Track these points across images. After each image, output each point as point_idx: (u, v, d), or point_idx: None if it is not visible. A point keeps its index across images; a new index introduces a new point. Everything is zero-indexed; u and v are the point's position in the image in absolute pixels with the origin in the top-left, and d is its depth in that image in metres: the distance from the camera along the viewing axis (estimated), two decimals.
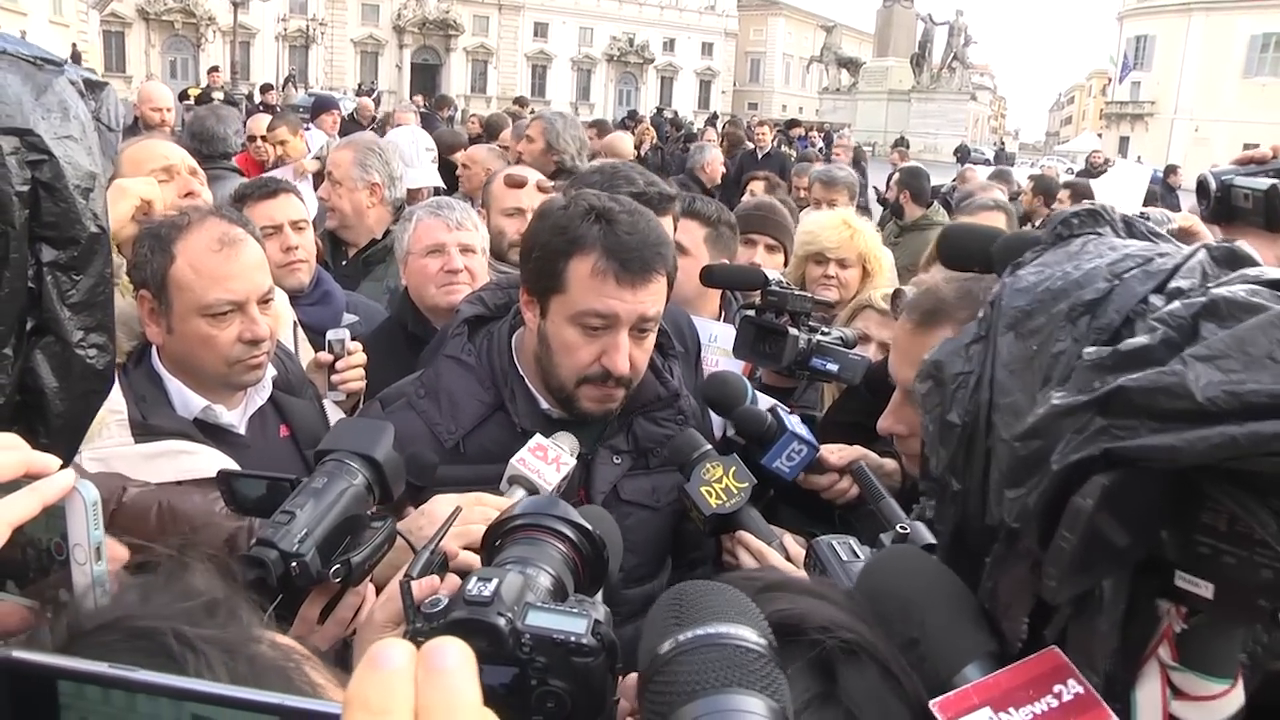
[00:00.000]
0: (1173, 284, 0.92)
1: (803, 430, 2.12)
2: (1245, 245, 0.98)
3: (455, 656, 0.50)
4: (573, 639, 1.10)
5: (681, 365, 2.66)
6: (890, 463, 2.23)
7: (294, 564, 1.30)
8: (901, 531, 1.66)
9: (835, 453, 2.18)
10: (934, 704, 0.89)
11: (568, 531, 1.34)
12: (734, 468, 1.99)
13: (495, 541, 1.36)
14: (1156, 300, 0.92)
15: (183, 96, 13.77)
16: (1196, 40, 63.46)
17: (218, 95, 13.57)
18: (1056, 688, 0.91)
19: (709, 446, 2.04)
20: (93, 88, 1.27)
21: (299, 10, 64.55)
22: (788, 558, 1.89)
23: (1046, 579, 0.84)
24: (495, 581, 1.14)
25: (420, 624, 1.14)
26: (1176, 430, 0.78)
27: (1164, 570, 0.90)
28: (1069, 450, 0.82)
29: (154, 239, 2.18)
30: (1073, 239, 1.06)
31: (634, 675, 1.25)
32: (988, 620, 0.99)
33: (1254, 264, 0.96)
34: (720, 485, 1.96)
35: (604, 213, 1.95)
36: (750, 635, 0.83)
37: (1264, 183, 1.75)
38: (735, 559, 1.94)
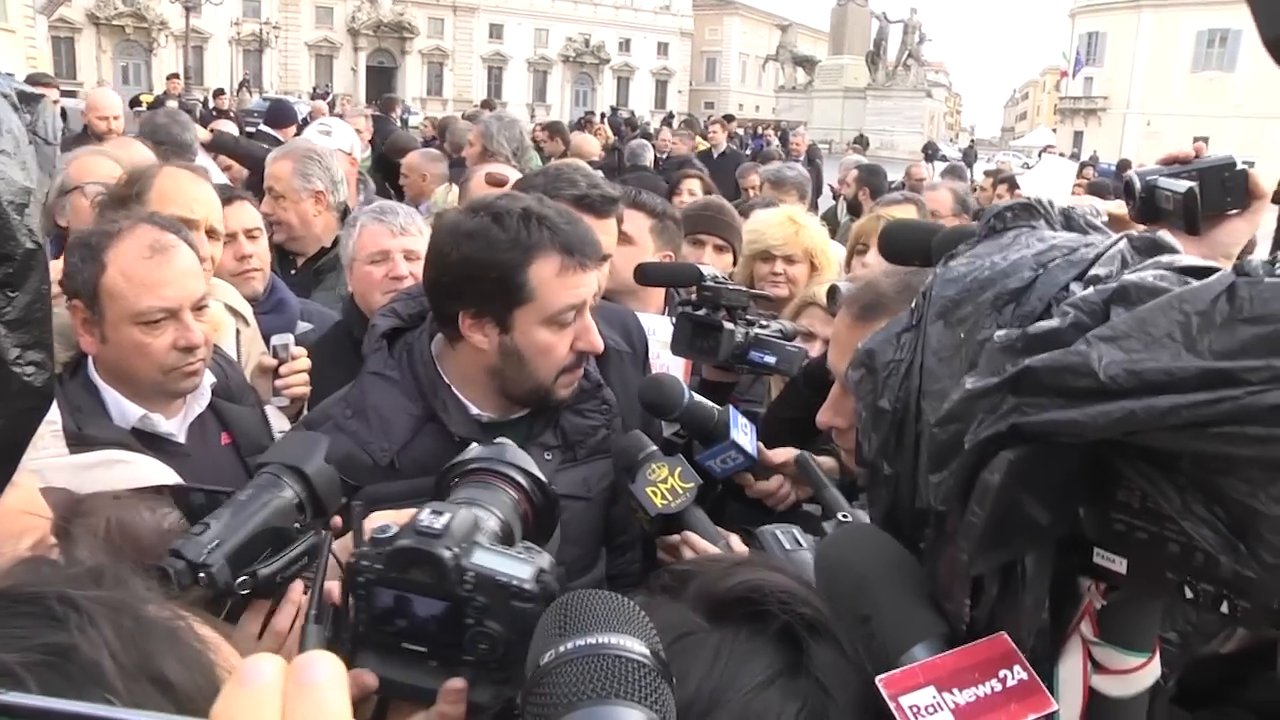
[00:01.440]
0: (1092, 271, 0.96)
1: (745, 440, 2.14)
2: (1167, 235, 1.02)
3: (325, 670, 0.49)
4: (515, 583, 1.11)
5: (629, 362, 2.70)
6: (829, 460, 2.27)
7: (201, 574, 1.30)
8: (843, 519, 1.69)
9: (774, 454, 2.22)
10: (880, 679, 0.91)
11: (520, 479, 1.35)
12: (679, 468, 2.01)
13: (449, 482, 1.37)
14: (1076, 288, 0.95)
15: (134, 103, 13.57)
16: (1146, 36, 64.57)
17: (172, 104, 13.42)
18: (1002, 673, 0.93)
19: (654, 447, 2.06)
20: (27, 100, 1.26)
21: (252, 14, 63.95)
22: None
23: (959, 552, 0.88)
24: (448, 515, 1.15)
25: (367, 548, 1.14)
26: (1080, 406, 0.82)
27: (1084, 548, 0.94)
28: (980, 429, 0.86)
29: (85, 248, 2.17)
30: (1006, 231, 1.09)
31: None
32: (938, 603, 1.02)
33: (1174, 253, 0.99)
34: (666, 486, 1.99)
35: (539, 215, 1.99)
36: (634, 645, 0.82)
37: (1183, 185, 1.78)
38: (679, 560, 1.96)
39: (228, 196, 3.37)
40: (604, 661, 0.80)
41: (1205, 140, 57.40)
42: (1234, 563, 0.81)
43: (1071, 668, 0.96)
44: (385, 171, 7.78)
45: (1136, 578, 0.90)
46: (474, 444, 1.91)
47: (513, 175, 3.88)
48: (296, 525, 1.47)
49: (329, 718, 0.48)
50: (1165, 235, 1.02)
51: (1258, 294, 0.79)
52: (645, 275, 2.82)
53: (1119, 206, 2.03)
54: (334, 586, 1.25)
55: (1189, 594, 0.87)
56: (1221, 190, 1.84)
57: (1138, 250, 1.00)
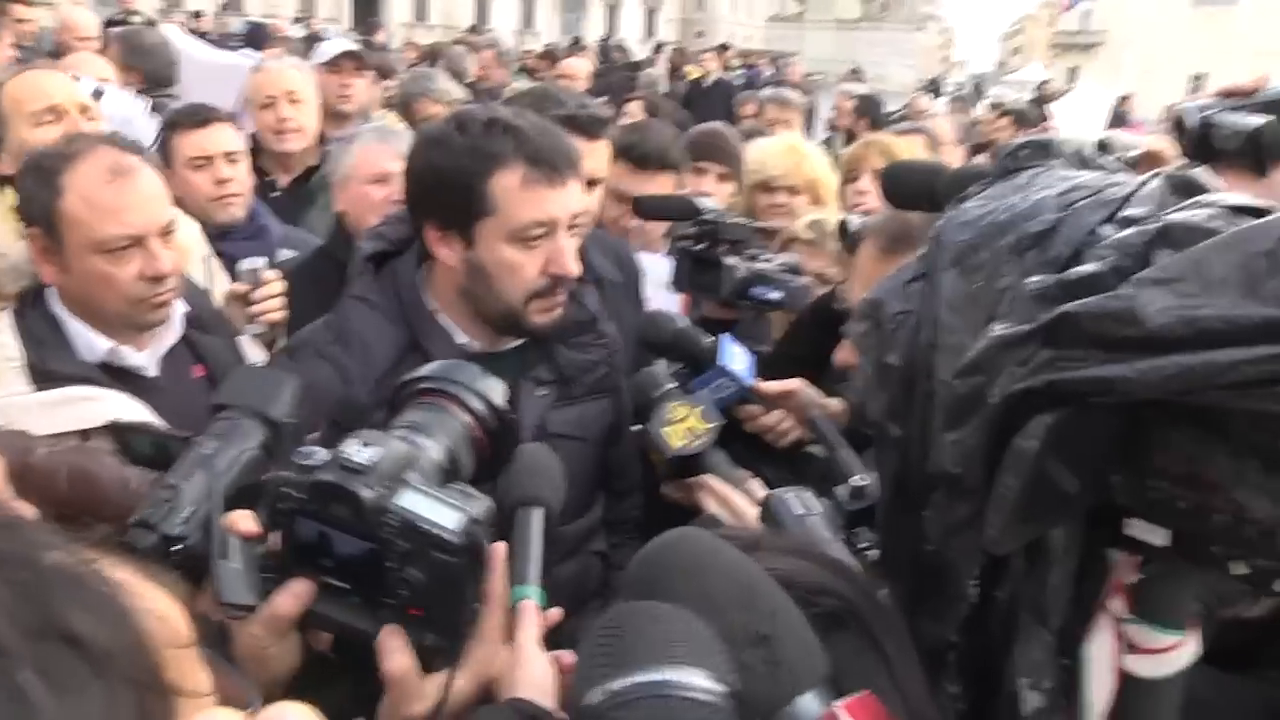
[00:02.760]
0: (1124, 212, 0.86)
1: (738, 368, 2.04)
2: (1207, 172, 0.91)
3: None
4: (437, 532, 1.03)
5: (621, 294, 2.59)
6: (836, 402, 2.18)
7: (174, 548, 1.20)
8: (858, 484, 1.58)
9: (773, 385, 2.12)
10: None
11: (474, 403, 1.25)
12: (700, 407, 1.91)
13: (399, 400, 1.28)
14: (1108, 230, 0.85)
15: (110, 24, 13.17)
16: None
17: (136, 20, 12.97)
18: None
19: (672, 385, 1.96)
20: None
21: None
22: (755, 503, 1.83)
23: (988, 528, 0.78)
24: (376, 450, 1.07)
25: (291, 473, 1.07)
26: (1128, 360, 0.72)
27: (1115, 518, 0.85)
28: (1011, 383, 0.76)
29: (39, 172, 2.04)
30: (1020, 172, 0.99)
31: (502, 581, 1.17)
32: None
33: (1213, 193, 0.89)
34: (685, 425, 1.89)
35: (506, 123, 1.87)
36: (702, 681, 0.71)
37: (1251, 121, 1.57)
38: (695, 502, 1.87)
39: (203, 117, 3.21)
40: (668, 706, 0.70)
41: (1204, 77, 56.92)
42: None
43: (1101, 647, 0.88)
44: None
45: (1176, 550, 0.82)
46: (465, 346, 1.84)
47: None
48: (265, 479, 1.37)
49: None
50: (1204, 173, 0.91)
51: None
52: (642, 208, 2.71)
53: (1158, 141, 1.89)
54: (244, 515, 1.17)
55: (1241, 569, 0.78)
56: None
57: (1174, 189, 0.90)
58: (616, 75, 15.83)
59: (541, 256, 1.88)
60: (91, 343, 2.08)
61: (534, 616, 1.21)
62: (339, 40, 5.86)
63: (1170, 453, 0.79)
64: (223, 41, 16.09)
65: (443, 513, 1.05)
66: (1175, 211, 0.81)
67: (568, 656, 1.11)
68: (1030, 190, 0.94)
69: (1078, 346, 0.74)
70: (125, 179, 2.04)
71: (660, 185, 3.05)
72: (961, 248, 0.92)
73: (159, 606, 0.63)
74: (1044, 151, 1.03)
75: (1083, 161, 1.05)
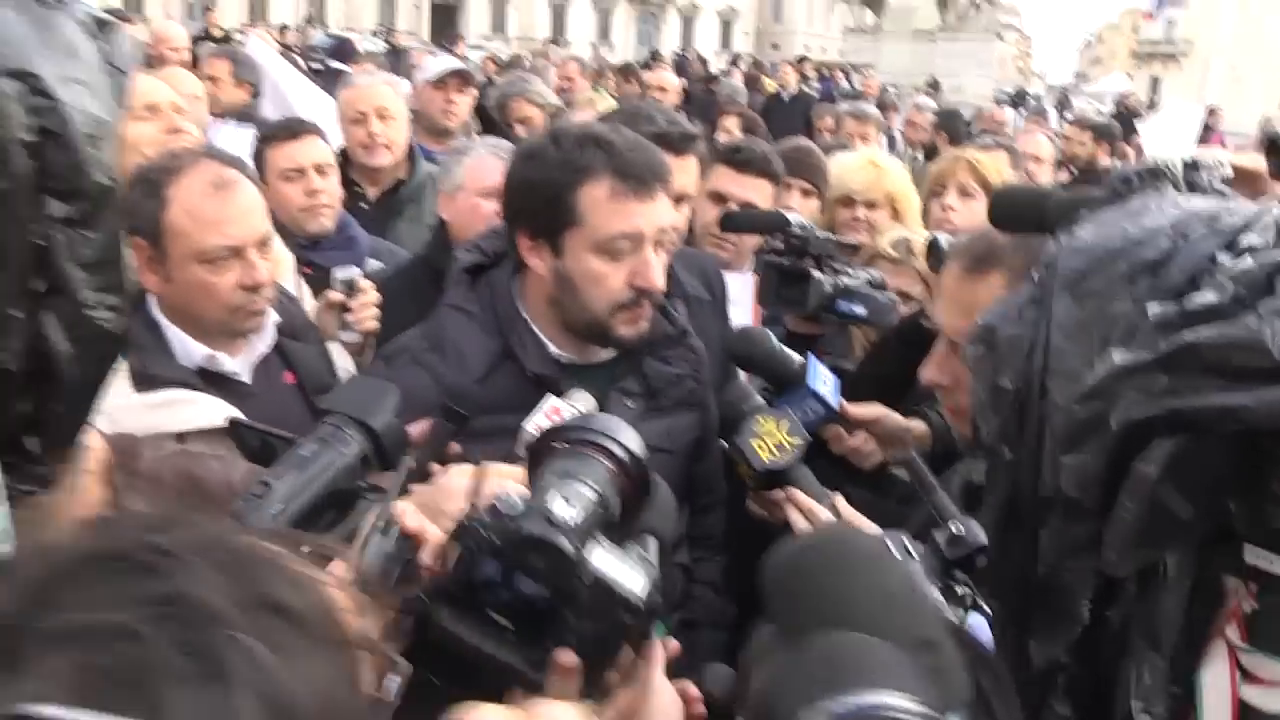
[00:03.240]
0: (1243, 241, 0.86)
1: (825, 391, 2.05)
2: None
3: None
4: (630, 597, 1.07)
5: (709, 311, 2.61)
6: (919, 424, 2.17)
7: None
8: (956, 532, 1.57)
9: (858, 409, 2.12)
10: None
11: (618, 451, 1.27)
12: (788, 422, 1.92)
13: (545, 448, 1.30)
14: (1225, 258, 0.86)
15: (197, 39, 13.56)
16: None
17: (218, 34, 13.34)
18: None
19: (760, 400, 1.98)
20: (102, 27, 1.20)
21: None
22: (839, 518, 1.85)
23: (1107, 551, 0.79)
24: (577, 508, 1.10)
25: (487, 518, 1.09)
26: (1251, 389, 0.73)
27: (1232, 544, 0.85)
28: (1132, 410, 0.77)
29: (145, 184, 2.10)
30: (1132, 196, 1.00)
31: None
32: None
33: None
34: (773, 440, 1.90)
35: (598, 137, 1.92)
36: (917, 708, 0.72)
37: None
38: (777, 514, 1.89)
39: (295, 130, 3.32)
40: None
41: None
42: None
43: (1217, 676, 0.87)
44: None
45: None
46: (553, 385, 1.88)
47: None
48: (361, 485, 1.42)
49: None
50: None
51: None
52: (730, 222, 2.73)
53: (1252, 160, 1.86)
54: (404, 509, 1.21)
55: None
56: None
57: None
58: (694, 87, 15.91)
59: (627, 269, 1.91)
60: (189, 349, 2.15)
61: (658, 649, 1.24)
62: (445, 58, 5.98)
63: None
64: (306, 54, 16.45)
65: (632, 576, 1.09)
66: None
67: (692, 688, 1.14)
68: (1143, 216, 0.95)
69: (1200, 375, 0.75)
70: (226, 191, 2.12)
71: (759, 190, 3.05)
72: (1075, 274, 0.92)
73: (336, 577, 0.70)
74: (1156, 177, 1.03)
75: (1191, 186, 1.05)
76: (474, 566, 1.09)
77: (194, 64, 6.77)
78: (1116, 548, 0.79)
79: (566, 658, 1.08)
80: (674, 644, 1.30)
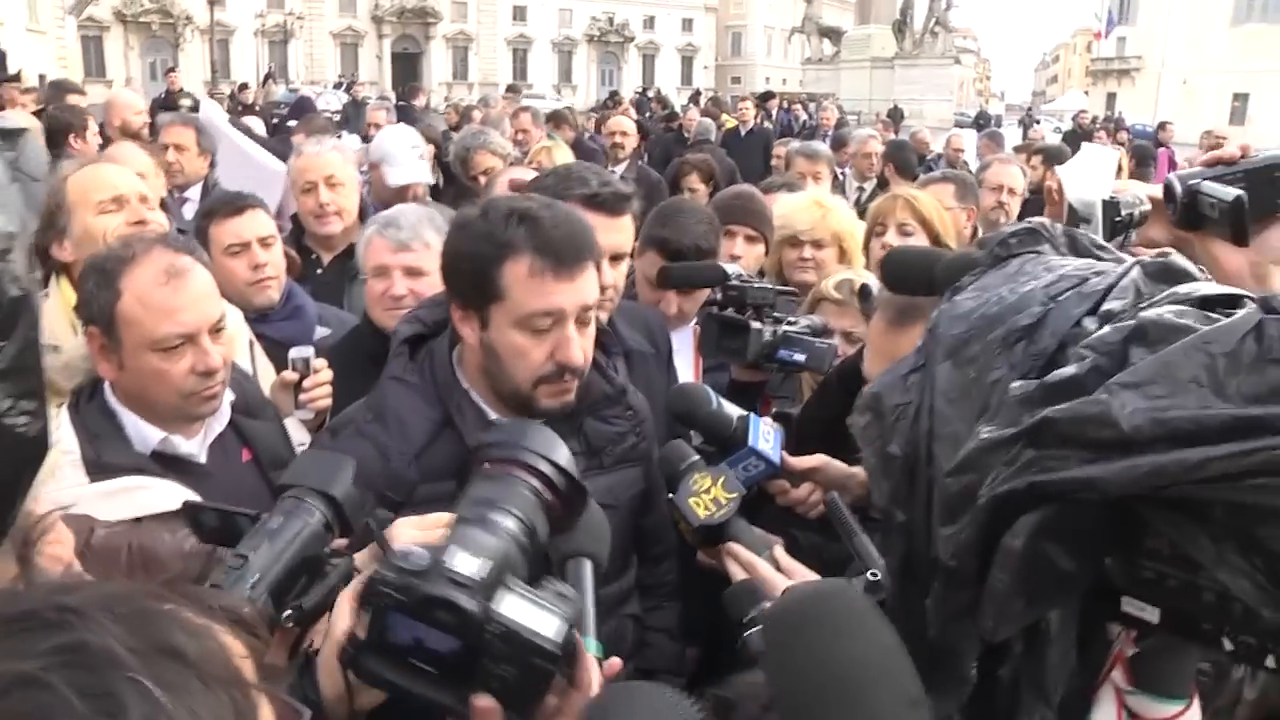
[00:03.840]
0: (1106, 305, 0.91)
1: (766, 448, 2.09)
2: (1179, 259, 0.96)
3: None
4: (543, 644, 1.09)
5: (653, 364, 2.64)
6: (860, 472, 2.21)
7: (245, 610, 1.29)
8: (873, 579, 1.60)
9: (799, 461, 2.16)
10: None
11: (544, 468, 1.30)
12: (723, 478, 1.96)
13: (473, 469, 1.33)
14: (1090, 323, 0.90)
15: (157, 104, 13.56)
16: None
17: (185, 102, 13.34)
18: None
19: (697, 457, 2.02)
20: (9, 136, 1.23)
21: (276, 6, 63.99)
22: (778, 568, 1.87)
23: (983, 619, 0.83)
24: (479, 561, 1.11)
25: (391, 575, 1.11)
26: (1105, 461, 0.77)
27: (1112, 596, 0.89)
28: (997, 484, 0.81)
29: (99, 274, 2.14)
30: (1011, 259, 1.04)
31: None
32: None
33: (1190, 278, 0.94)
34: (709, 496, 1.94)
35: (524, 213, 1.93)
36: None
37: (1231, 192, 1.64)
38: (723, 570, 1.92)
39: (239, 205, 3.32)
40: None
41: (1245, 97, 56.24)
42: (1276, 614, 0.76)
43: (1105, 717, 0.91)
44: None
45: (1169, 627, 0.85)
46: (498, 422, 1.90)
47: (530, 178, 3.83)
48: (327, 551, 1.46)
49: None
50: (1177, 259, 0.96)
51: None
52: (668, 278, 2.76)
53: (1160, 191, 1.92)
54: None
55: (1229, 646, 0.82)
56: (1271, 191, 1.71)
57: (1151, 277, 0.94)
58: (654, 127, 16.05)
59: (549, 344, 1.93)
60: (144, 434, 2.16)
61: (592, 675, 1.26)
62: (409, 169, 6.04)
63: (1159, 535, 0.83)
64: (267, 110, 16.46)
65: (543, 620, 1.10)
66: (1149, 307, 0.86)
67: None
68: (1019, 280, 0.99)
69: (1059, 448, 0.79)
70: (179, 280, 2.14)
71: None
72: (955, 341, 0.97)
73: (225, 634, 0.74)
74: (1034, 238, 1.07)
75: (1073, 244, 1.09)
76: (385, 623, 1.12)
77: (153, 131, 6.79)
78: (992, 615, 0.82)
79: (483, 702, 1.11)
80: (614, 663, 1.32)
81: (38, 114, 7.32)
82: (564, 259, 1.90)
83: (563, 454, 1.34)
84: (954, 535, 0.85)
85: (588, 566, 1.46)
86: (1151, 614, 0.86)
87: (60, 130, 5.94)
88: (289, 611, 1.34)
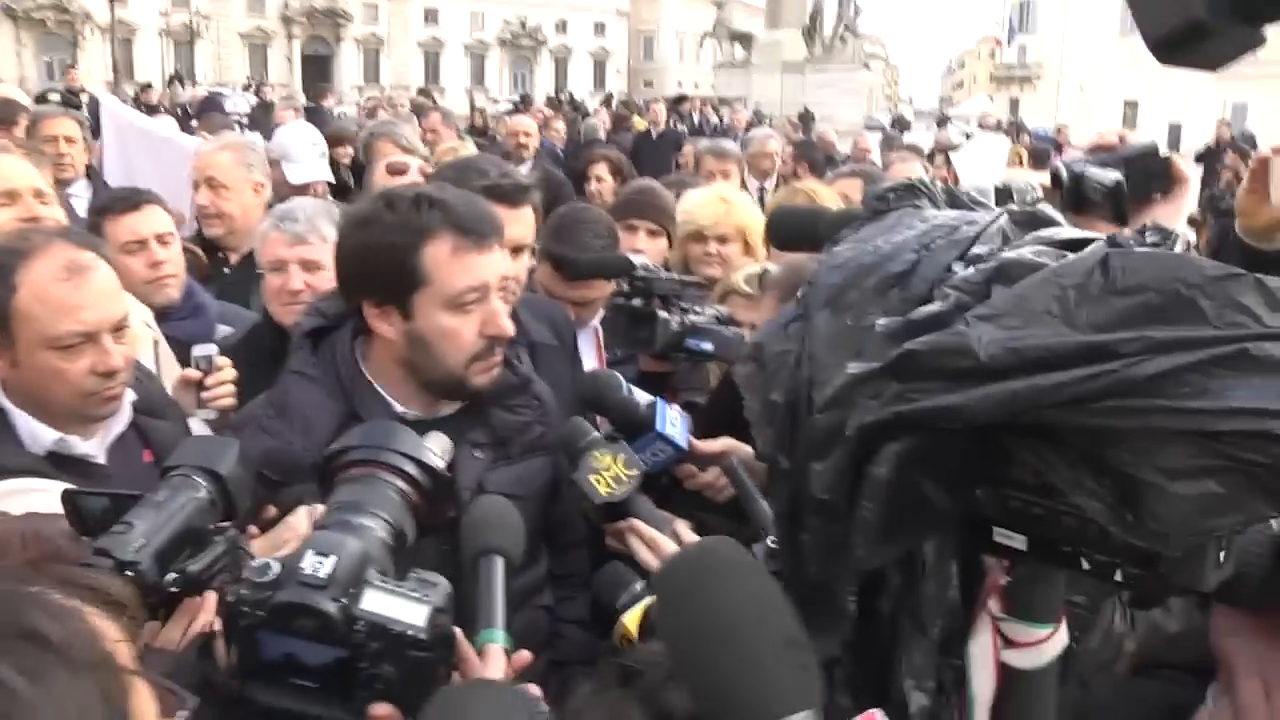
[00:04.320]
0: (973, 250, 0.95)
1: (673, 432, 2.11)
2: (1047, 209, 1.01)
3: None
4: (409, 631, 1.08)
5: (556, 356, 2.66)
6: None
7: (128, 572, 1.27)
8: (772, 545, 1.63)
9: (705, 444, 2.19)
10: None
11: (407, 467, 1.29)
12: (622, 455, 1.98)
13: (332, 473, 1.32)
14: (959, 267, 0.94)
15: (40, 99, 13.14)
16: (1076, 3, 65.27)
17: (83, 97, 13.00)
18: None
19: (596, 434, 2.03)
20: None
21: (182, 4, 62.39)
22: (680, 544, 1.90)
23: (855, 549, 0.86)
24: (332, 559, 1.10)
25: (246, 591, 1.09)
26: (963, 389, 0.81)
27: (984, 527, 0.93)
28: (863, 415, 0.84)
29: None
30: (889, 213, 1.08)
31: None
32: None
33: (1054, 225, 0.99)
34: (609, 474, 1.96)
35: (431, 198, 1.95)
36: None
37: (1111, 176, 1.79)
38: (626, 547, 1.94)
39: (135, 201, 3.26)
40: None
41: (1134, 104, 58.46)
42: (1123, 532, 0.81)
43: (982, 645, 0.96)
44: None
45: (1035, 553, 0.90)
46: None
47: (414, 163, 3.80)
48: (211, 526, 1.45)
49: None
50: (1046, 208, 1.02)
51: (1130, 264, 0.79)
52: (575, 268, 2.78)
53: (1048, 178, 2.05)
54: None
55: (1085, 565, 0.87)
56: (1146, 177, 1.87)
57: (1018, 224, 0.99)
58: (568, 130, 16.07)
59: (478, 320, 1.95)
60: (37, 434, 2.09)
61: (501, 659, 1.27)
62: (310, 167, 5.93)
63: (1023, 466, 0.88)
64: (173, 111, 16.08)
65: (409, 609, 1.09)
66: (1012, 249, 0.91)
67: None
68: (895, 232, 1.03)
69: (922, 379, 0.83)
70: (80, 276, 2.06)
71: (594, 289, 3.04)
72: (833, 289, 1.00)
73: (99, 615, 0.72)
74: (912, 193, 1.12)
75: (951, 199, 1.14)
76: (255, 645, 1.09)
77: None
78: (863, 545, 0.86)
79: (380, 711, 1.10)
80: (523, 656, 1.33)
81: None
82: (482, 231, 1.93)
83: (427, 453, 1.34)
84: (825, 469, 0.89)
85: (499, 563, 1.47)
86: (1019, 542, 0.90)
87: None
88: (173, 575, 1.33)
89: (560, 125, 11.32)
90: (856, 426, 0.84)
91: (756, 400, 1.03)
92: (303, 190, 4.99)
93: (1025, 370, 0.78)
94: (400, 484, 1.28)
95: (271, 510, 1.83)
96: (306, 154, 5.60)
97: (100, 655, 0.66)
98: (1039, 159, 12.45)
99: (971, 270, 0.90)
